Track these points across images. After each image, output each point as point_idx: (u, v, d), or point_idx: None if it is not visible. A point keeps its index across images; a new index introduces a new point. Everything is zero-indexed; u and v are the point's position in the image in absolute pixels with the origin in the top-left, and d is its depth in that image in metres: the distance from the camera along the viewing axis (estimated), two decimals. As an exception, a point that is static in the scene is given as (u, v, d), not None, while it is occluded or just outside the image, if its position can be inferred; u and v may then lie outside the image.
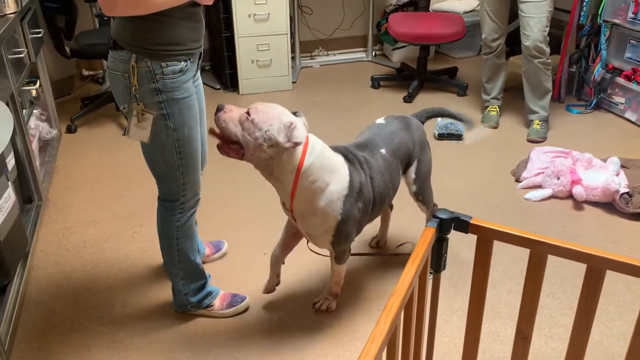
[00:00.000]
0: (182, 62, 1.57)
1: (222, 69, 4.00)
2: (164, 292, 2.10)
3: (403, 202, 2.66)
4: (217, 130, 1.65)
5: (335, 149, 1.82)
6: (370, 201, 1.83)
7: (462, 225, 1.14)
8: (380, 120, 2.09)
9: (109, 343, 1.89)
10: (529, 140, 3.21)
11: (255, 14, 3.71)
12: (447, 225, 1.14)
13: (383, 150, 1.92)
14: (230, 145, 1.65)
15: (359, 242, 2.37)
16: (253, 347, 1.87)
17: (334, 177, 1.71)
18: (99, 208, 2.64)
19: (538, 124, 3.25)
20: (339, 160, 1.75)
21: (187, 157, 1.69)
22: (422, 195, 2.14)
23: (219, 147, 1.66)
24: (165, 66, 1.53)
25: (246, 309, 2.02)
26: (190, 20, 1.56)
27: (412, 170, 2.06)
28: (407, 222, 2.52)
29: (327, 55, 4.65)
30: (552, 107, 3.34)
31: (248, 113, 1.61)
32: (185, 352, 1.85)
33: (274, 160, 1.63)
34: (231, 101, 3.84)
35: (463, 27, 3.76)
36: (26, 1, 2.61)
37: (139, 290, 2.13)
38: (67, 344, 1.89)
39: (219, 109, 1.63)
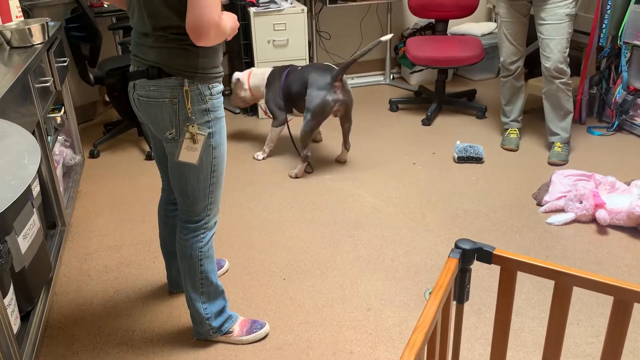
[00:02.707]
0: (221, 84, 1.71)
1: (241, 93, 4.04)
2: (184, 318, 2.10)
3: (422, 226, 2.65)
4: None
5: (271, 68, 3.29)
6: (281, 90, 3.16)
7: (485, 256, 1.13)
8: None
9: (129, 370, 1.90)
10: (550, 163, 3.18)
11: (274, 40, 3.76)
12: (469, 255, 1.13)
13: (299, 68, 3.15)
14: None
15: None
16: (273, 375, 1.86)
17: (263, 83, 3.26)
18: (120, 233, 2.67)
19: (559, 147, 3.22)
20: (267, 71, 3.30)
21: (218, 175, 1.76)
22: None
23: None
24: (212, 87, 1.66)
25: (266, 336, 2.02)
26: (222, 47, 1.69)
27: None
28: (427, 247, 2.50)
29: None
30: (573, 129, 3.31)
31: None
32: (206, 380, 1.85)
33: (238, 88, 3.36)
34: (251, 125, 3.87)
35: (481, 49, 3.77)
36: (53, 31, 2.68)
37: (160, 316, 2.14)
38: (88, 370, 1.90)
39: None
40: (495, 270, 2.31)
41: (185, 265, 1.86)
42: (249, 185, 3.08)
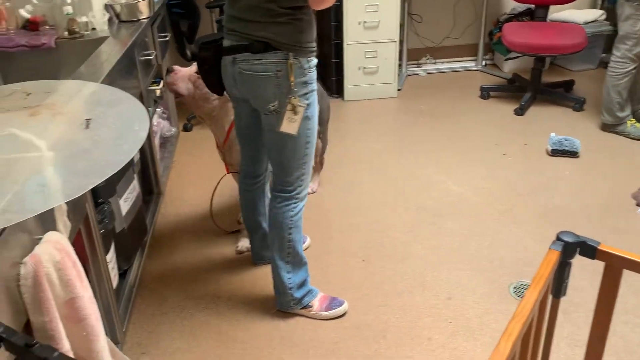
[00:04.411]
0: (315, 58, 1.74)
1: (329, 75, 4.06)
2: (268, 290, 2.16)
3: (509, 219, 2.57)
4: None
5: None
6: None
7: (589, 250, 1.08)
8: None
9: (214, 334, 1.98)
10: None
11: (365, 22, 3.74)
12: (572, 249, 1.08)
13: None
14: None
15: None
16: (349, 353, 1.88)
17: None
18: (209, 203, 2.78)
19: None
20: None
21: (311, 146, 1.82)
22: None
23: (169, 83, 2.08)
24: (310, 60, 1.71)
25: (344, 314, 2.04)
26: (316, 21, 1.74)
27: None
28: (514, 241, 2.42)
29: (435, 63, 4.58)
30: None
31: (197, 72, 2.02)
32: (284, 350, 1.90)
33: (218, 109, 2.14)
34: (335, 107, 3.88)
35: (584, 38, 3.55)
36: (157, 7, 2.80)
37: (244, 285, 2.22)
38: (175, 329, 2.01)
39: (169, 71, 2.07)
40: (588, 267, 2.20)
41: (275, 233, 1.92)
42: (334, 170, 3.10)
